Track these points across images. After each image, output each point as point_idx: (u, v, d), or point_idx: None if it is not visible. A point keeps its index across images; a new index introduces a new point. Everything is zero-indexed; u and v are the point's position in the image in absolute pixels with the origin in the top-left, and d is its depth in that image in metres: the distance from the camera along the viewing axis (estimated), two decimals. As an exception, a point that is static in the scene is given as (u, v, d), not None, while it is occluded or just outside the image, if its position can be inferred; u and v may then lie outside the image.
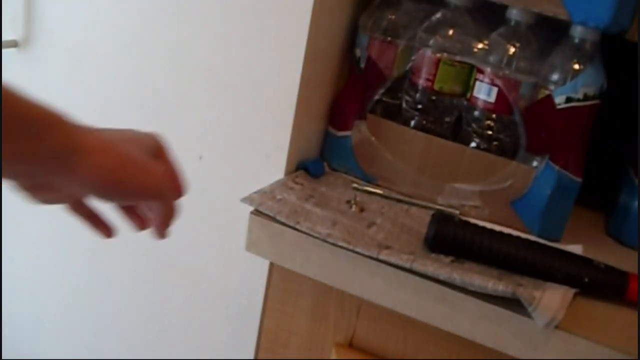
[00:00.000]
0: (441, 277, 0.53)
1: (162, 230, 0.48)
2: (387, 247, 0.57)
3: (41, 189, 0.44)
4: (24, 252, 1.01)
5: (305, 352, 0.67)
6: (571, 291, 0.54)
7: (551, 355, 0.52)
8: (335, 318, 0.64)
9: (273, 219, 0.59)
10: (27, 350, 1.07)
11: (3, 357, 1.08)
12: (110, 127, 0.45)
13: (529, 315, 0.52)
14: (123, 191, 0.42)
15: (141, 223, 0.50)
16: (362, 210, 0.65)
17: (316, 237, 0.57)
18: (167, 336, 0.94)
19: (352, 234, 0.58)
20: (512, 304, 0.53)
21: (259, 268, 0.67)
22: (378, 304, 0.58)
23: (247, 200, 0.61)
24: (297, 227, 0.58)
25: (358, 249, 0.56)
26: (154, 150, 0.46)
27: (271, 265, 0.66)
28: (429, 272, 0.54)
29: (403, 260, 0.55)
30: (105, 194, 0.41)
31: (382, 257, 0.55)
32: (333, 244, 0.57)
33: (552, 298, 0.52)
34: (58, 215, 1.01)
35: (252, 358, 0.70)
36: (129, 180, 0.41)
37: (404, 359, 0.62)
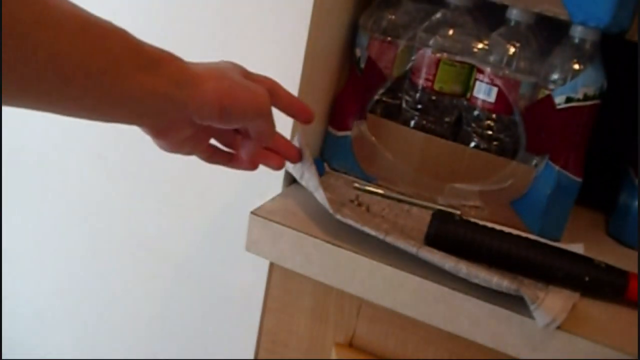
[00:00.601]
0: (446, 267, 0.53)
1: (258, 151, 0.54)
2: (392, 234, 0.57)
3: (167, 132, 0.47)
4: (24, 252, 1.01)
5: (305, 352, 0.67)
6: (574, 296, 0.54)
7: (551, 355, 0.52)
8: (335, 318, 0.64)
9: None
10: (27, 350, 1.07)
11: (3, 357, 1.08)
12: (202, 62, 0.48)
13: (529, 316, 0.52)
14: (238, 110, 0.46)
15: (239, 157, 0.55)
16: (367, 210, 0.65)
17: (327, 210, 0.57)
18: (167, 336, 0.94)
19: (360, 216, 0.58)
20: (513, 304, 0.53)
21: (259, 268, 0.67)
22: (378, 304, 0.58)
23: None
24: (315, 194, 0.58)
25: (365, 229, 0.56)
26: (243, 74, 0.50)
27: (271, 265, 0.66)
28: (435, 260, 0.53)
29: (410, 244, 0.54)
30: (224, 116, 0.45)
31: (388, 239, 0.55)
32: (340, 221, 0.57)
33: (555, 300, 0.52)
34: (58, 215, 1.01)
35: (252, 358, 0.70)
36: (241, 99, 0.46)
37: (404, 359, 0.62)
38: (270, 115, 0.50)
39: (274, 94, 0.52)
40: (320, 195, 0.59)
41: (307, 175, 0.61)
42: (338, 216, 0.57)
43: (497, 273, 0.54)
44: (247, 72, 0.51)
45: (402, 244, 0.55)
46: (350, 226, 0.57)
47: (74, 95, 0.37)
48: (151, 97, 0.41)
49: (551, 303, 0.51)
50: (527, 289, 0.52)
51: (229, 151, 0.56)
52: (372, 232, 0.55)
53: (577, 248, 0.64)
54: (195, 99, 0.43)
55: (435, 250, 0.55)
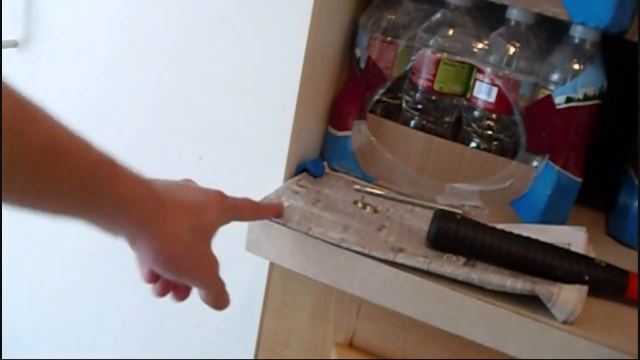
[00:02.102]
0: (460, 278, 0.53)
1: (213, 305, 0.52)
2: (401, 250, 0.57)
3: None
4: (24, 252, 1.01)
5: (305, 352, 0.67)
6: (585, 287, 0.54)
7: (551, 355, 0.52)
8: (335, 318, 0.64)
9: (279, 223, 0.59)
10: (27, 350, 1.07)
11: (3, 357, 1.08)
12: (191, 187, 0.49)
13: (529, 316, 0.52)
14: (175, 275, 0.47)
15: (180, 294, 0.53)
16: (375, 211, 0.65)
17: (330, 243, 0.57)
18: (167, 336, 0.94)
19: (365, 238, 0.58)
20: (513, 303, 0.53)
21: (259, 268, 0.67)
22: (378, 304, 0.58)
23: None
24: (309, 233, 0.57)
25: (373, 253, 0.56)
26: (225, 209, 0.50)
27: (271, 265, 0.66)
28: (446, 273, 0.54)
29: (420, 263, 0.55)
30: (160, 271, 0.46)
31: (398, 260, 0.55)
32: (347, 249, 0.57)
33: (569, 293, 0.52)
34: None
35: (252, 358, 0.70)
36: (183, 270, 0.47)
37: (404, 359, 0.62)
38: (215, 285, 0.50)
39: (259, 213, 0.57)
40: (314, 233, 0.58)
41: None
42: (344, 245, 0.57)
43: (508, 275, 0.54)
44: (228, 203, 0.51)
45: (411, 262, 0.55)
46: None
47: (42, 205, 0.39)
48: (99, 223, 0.42)
49: (566, 297, 0.51)
50: (542, 288, 0.52)
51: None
52: (382, 256, 0.55)
53: (579, 231, 0.64)
54: (140, 248, 0.44)
55: (446, 262, 0.55)
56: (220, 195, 0.51)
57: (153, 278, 0.50)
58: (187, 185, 0.50)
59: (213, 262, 0.49)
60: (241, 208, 0.54)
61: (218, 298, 0.51)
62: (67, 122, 0.38)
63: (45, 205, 0.39)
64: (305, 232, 0.58)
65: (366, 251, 0.56)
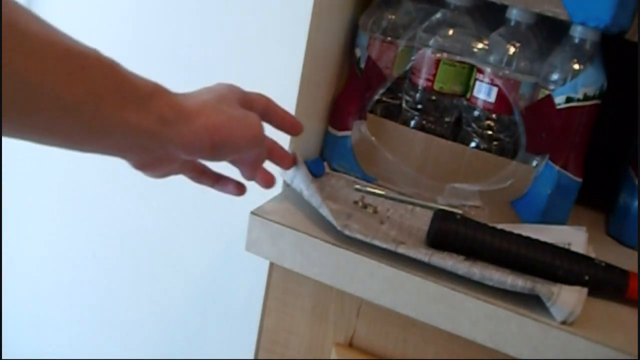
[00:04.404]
0: (460, 272, 0.54)
1: (254, 175, 0.53)
2: (402, 243, 0.57)
3: (153, 166, 0.46)
4: (24, 252, 1.01)
5: (305, 352, 0.67)
6: (584, 290, 0.54)
7: (551, 355, 0.52)
8: (335, 318, 0.64)
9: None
10: (27, 350, 1.07)
11: (3, 357, 1.08)
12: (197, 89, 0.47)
13: (529, 316, 0.52)
14: (231, 144, 0.45)
15: (233, 186, 0.55)
16: (375, 211, 0.65)
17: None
18: (167, 336, 0.94)
19: (368, 228, 0.58)
20: (513, 303, 0.53)
21: (259, 268, 0.67)
22: (378, 304, 0.58)
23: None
24: (320, 210, 0.58)
25: (375, 242, 0.56)
26: (239, 97, 0.49)
27: (271, 265, 0.66)
28: (447, 266, 0.54)
29: (421, 254, 0.55)
30: (215, 151, 0.44)
31: (400, 250, 0.55)
32: (350, 236, 0.57)
33: (569, 294, 0.52)
34: (59, 214, 1.01)
35: (252, 358, 0.70)
36: (233, 133, 0.45)
37: (404, 359, 0.62)
38: (263, 142, 0.49)
39: (268, 112, 0.52)
40: (325, 211, 0.59)
41: (303, 186, 0.61)
42: (347, 232, 0.57)
43: (509, 273, 0.54)
44: (243, 94, 0.50)
45: (413, 253, 0.55)
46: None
47: (46, 125, 0.36)
48: (134, 133, 0.40)
49: (566, 297, 0.51)
50: (542, 287, 0.52)
51: (217, 173, 0.55)
52: (383, 245, 0.56)
53: (579, 231, 0.64)
54: (184, 136, 0.42)
55: (447, 256, 0.55)
56: (236, 87, 0.50)
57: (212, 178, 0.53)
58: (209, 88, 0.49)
59: (253, 116, 0.48)
60: (254, 101, 0.52)
61: (283, 156, 0.54)
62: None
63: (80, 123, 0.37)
64: (317, 207, 0.59)
65: (368, 240, 0.56)
